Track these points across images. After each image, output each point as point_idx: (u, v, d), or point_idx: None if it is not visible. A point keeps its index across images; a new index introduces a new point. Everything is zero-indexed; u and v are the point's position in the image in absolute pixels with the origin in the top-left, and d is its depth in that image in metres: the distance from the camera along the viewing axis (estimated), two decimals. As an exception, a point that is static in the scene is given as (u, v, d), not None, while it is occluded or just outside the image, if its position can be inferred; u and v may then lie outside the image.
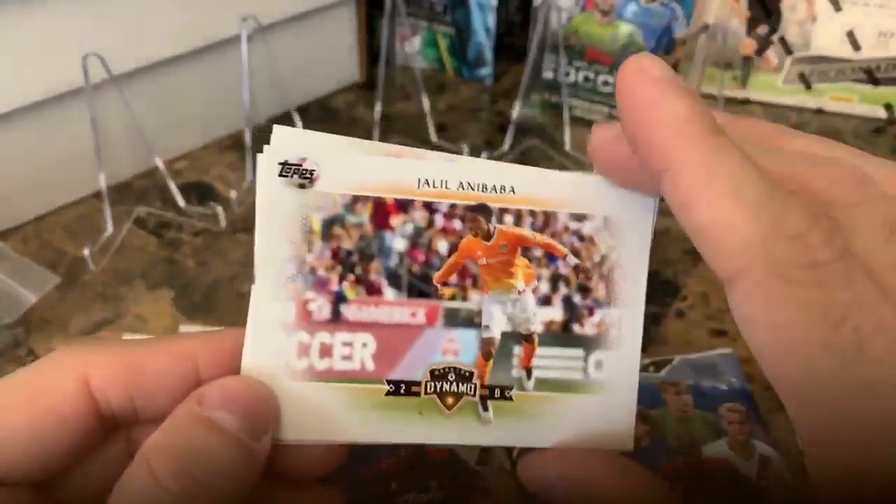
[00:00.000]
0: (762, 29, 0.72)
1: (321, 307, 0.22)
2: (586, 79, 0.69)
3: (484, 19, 0.74)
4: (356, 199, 0.22)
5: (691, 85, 0.17)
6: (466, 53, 0.77)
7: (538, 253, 0.23)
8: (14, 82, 0.50)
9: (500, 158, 0.63)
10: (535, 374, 0.23)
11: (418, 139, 0.66)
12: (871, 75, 0.71)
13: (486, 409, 0.22)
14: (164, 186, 0.56)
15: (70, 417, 0.20)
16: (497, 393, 0.23)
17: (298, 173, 0.21)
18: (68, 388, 0.20)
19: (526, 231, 0.23)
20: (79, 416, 0.20)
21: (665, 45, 0.64)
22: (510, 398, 0.23)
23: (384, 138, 0.65)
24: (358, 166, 0.22)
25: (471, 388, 0.22)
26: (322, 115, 0.70)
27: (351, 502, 0.34)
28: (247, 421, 0.20)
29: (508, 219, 0.23)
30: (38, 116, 0.52)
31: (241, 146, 0.61)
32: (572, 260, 0.23)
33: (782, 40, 0.72)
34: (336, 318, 0.22)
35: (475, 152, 0.63)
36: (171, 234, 0.55)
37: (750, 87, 0.75)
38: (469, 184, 0.22)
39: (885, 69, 0.71)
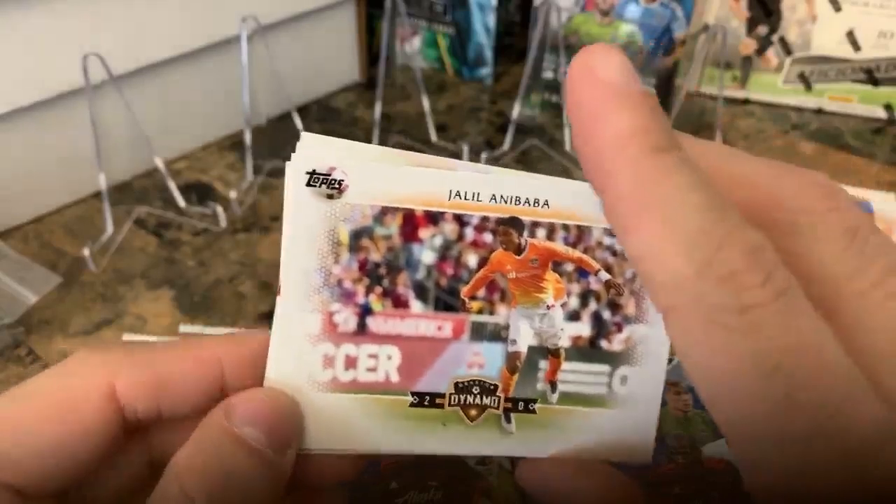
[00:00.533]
0: (762, 29, 0.72)
1: (347, 319, 0.22)
2: (586, 79, 0.69)
3: (484, 19, 0.74)
4: (385, 211, 0.21)
5: (645, 89, 0.15)
6: (466, 53, 0.77)
7: (569, 268, 0.23)
8: (14, 82, 0.50)
9: (500, 158, 0.63)
10: (560, 387, 0.23)
11: (418, 139, 0.66)
12: (871, 75, 0.71)
13: (508, 420, 0.22)
14: (164, 186, 0.56)
15: (96, 427, 0.20)
16: (521, 406, 0.23)
17: (327, 183, 0.21)
18: (94, 396, 0.20)
19: (558, 245, 0.22)
20: (105, 425, 0.20)
21: (665, 45, 0.64)
22: (533, 410, 0.23)
23: (384, 138, 0.65)
24: (388, 177, 0.21)
25: (495, 400, 0.22)
26: (322, 115, 0.70)
27: (351, 502, 0.34)
28: (273, 436, 0.20)
29: (541, 233, 0.22)
30: (38, 116, 0.52)
31: (241, 146, 0.61)
32: (604, 276, 0.23)
33: (782, 40, 0.72)
34: (362, 331, 0.22)
35: (475, 152, 0.63)
36: (171, 234, 0.55)
37: (750, 87, 0.75)
38: (502, 196, 0.22)
39: (884, 69, 0.71)
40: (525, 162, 0.65)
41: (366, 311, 0.22)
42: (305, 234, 0.21)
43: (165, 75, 0.59)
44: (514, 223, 0.22)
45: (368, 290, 0.22)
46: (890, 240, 0.16)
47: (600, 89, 0.15)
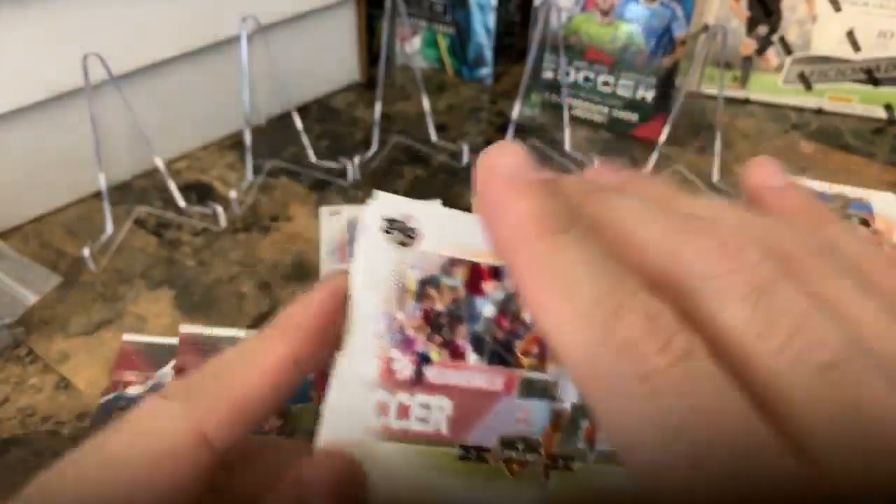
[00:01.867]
0: (762, 29, 0.72)
1: (405, 367, 0.22)
2: (586, 79, 0.69)
3: (484, 19, 0.74)
4: (453, 262, 0.22)
5: (543, 177, 0.17)
6: (466, 53, 0.77)
7: None
8: (14, 82, 0.50)
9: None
10: (598, 446, 0.23)
11: (418, 139, 0.66)
12: (871, 75, 0.71)
13: (547, 476, 0.23)
14: (164, 186, 0.56)
15: (194, 476, 0.19)
16: (560, 463, 0.23)
17: (402, 231, 0.21)
18: (189, 448, 0.19)
19: None
20: (201, 471, 0.20)
21: (665, 45, 0.64)
22: (571, 468, 0.23)
23: (384, 138, 0.65)
24: (458, 229, 0.22)
25: (537, 457, 0.23)
26: (322, 114, 0.70)
27: None
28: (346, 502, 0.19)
29: None
30: (38, 116, 0.52)
31: (241, 146, 0.61)
32: None
33: (782, 40, 0.72)
34: (418, 379, 0.22)
35: (475, 152, 0.63)
36: (171, 234, 0.55)
37: (750, 87, 0.75)
38: None
39: (884, 69, 0.71)
40: (525, 162, 0.65)
41: (424, 360, 0.22)
42: (375, 279, 0.21)
43: (165, 75, 0.59)
44: None
45: (429, 339, 0.22)
46: (795, 294, 0.15)
47: (500, 183, 0.16)
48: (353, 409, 0.21)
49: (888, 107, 0.72)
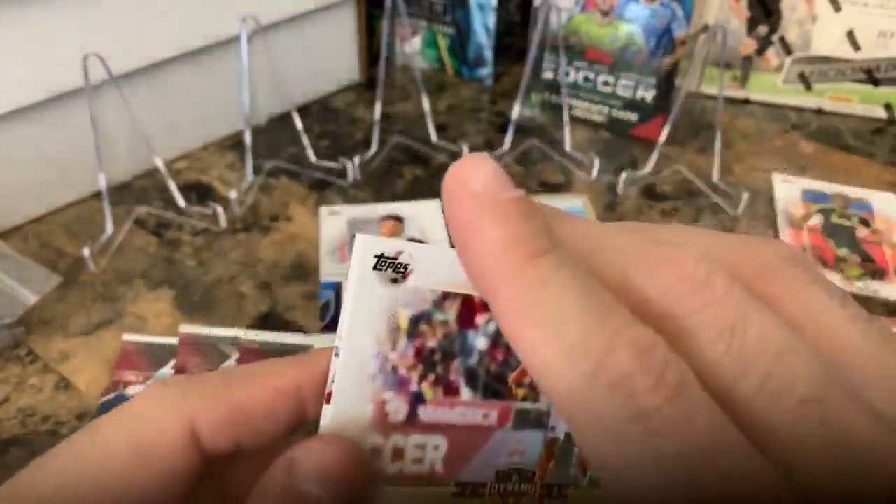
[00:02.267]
0: (762, 29, 0.72)
1: (398, 408, 0.21)
2: (586, 79, 0.69)
3: (484, 19, 0.74)
4: (445, 297, 0.21)
5: (517, 195, 0.15)
6: (466, 53, 0.77)
7: None
8: (14, 82, 0.50)
9: (500, 158, 0.63)
10: (590, 472, 0.23)
11: (418, 139, 0.66)
12: (871, 75, 0.71)
13: None
14: (164, 186, 0.56)
15: (176, 469, 0.19)
16: (555, 492, 0.23)
17: (393, 267, 0.20)
18: (174, 438, 0.19)
19: None
20: (185, 466, 0.19)
21: (665, 45, 0.64)
22: (566, 496, 0.23)
23: (384, 138, 0.65)
24: (450, 263, 0.20)
25: (531, 488, 0.22)
26: (322, 114, 0.70)
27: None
28: (340, 491, 0.19)
29: None
30: (38, 116, 0.52)
31: (241, 146, 0.61)
32: None
33: (782, 40, 0.72)
34: (412, 421, 0.21)
35: (475, 152, 0.63)
36: (171, 234, 0.55)
37: (750, 87, 0.75)
38: None
39: (884, 69, 0.71)
40: (525, 162, 0.65)
41: (417, 400, 0.21)
42: (367, 319, 0.20)
43: (165, 75, 0.59)
44: None
45: (422, 378, 0.21)
46: (766, 325, 0.15)
47: (472, 202, 0.15)
48: None
49: (888, 107, 0.73)
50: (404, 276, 0.20)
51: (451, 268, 0.21)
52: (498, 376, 0.22)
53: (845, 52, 0.71)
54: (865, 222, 0.58)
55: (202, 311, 0.48)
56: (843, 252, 0.55)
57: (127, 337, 0.46)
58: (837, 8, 0.69)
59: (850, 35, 0.70)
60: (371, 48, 0.75)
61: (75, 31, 0.51)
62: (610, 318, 0.14)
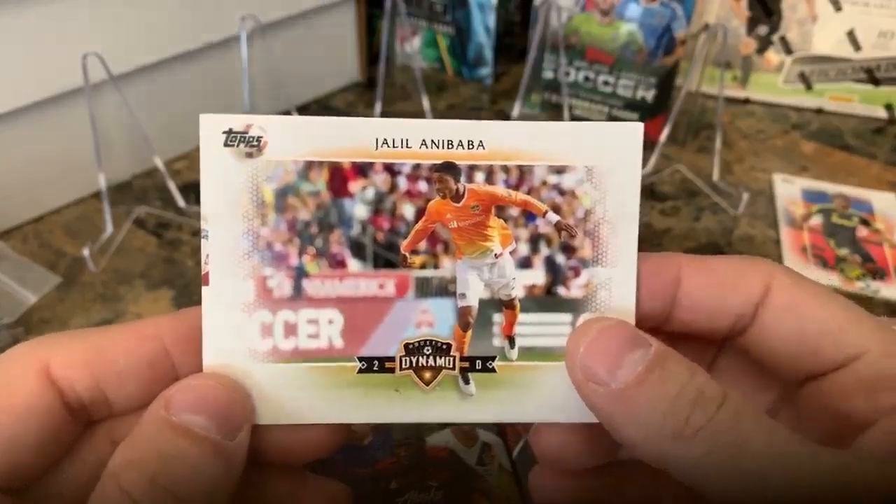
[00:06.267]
0: (762, 28, 0.72)
1: (281, 284, 0.21)
2: (586, 79, 0.69)
3: (484, 19, 0.74)
4: (310, 166, 0.20)
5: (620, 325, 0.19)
6: (466, 53, 0.77)
7: (514, 212, 0.21)
8: (14, 82, 0.50)
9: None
10: (519, 342, 0.21)
11: (418, 139, 0.66)
12: (872, 75, 0.71)
13: (467, 381, 0.21)
14: (163, 186, 0.56)
15: (34, 409, 0.19)
16: (478, 365, 0.21)
17: (245, 141, 0.20)
18: (28, 379, 0.19)
19: (499, 189, 0.21)
20: (43, 406, 0.19)
21: (665, 44, 0.64)
22: (493, 370, 0.21)
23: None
24: (309, 130, 0.20)
25: (449, 360, 0.21)
26: (322, 114, 0.70)
27: (351, 502, 0.34)
28: (218, 420, 0.19)
29: (479, 176, 0.21)
30: (38, 116, 0.52)
31: (241, 146, 0.61)
32: (553, 217, 0.21)
33: (782, 40, 0.72)
34: (298, 295, 0.21)
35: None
36: (171, 234, 0.55)
37: (750, 86, 0.75)
38: (433, 141, 0.20)
39: (885, 69, 0.71)
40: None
41: (300, 274, 0.21)
42: (228, 197, 0.20)
43: (166, 75, 0.59)
44: (449, 168, 0.21)
45: (301, 252, 0.21)
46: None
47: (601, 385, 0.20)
48: (234, 333, 0.20)
49: (888, 107, 0.72)
50: (259, 149, 0.20)
51: (309, 135, 0.20)
52: (388, 245, 0.21)
53: (846, 51, 0.71)
54: (866, 222, 0.58)
55: (202, 311, 0.48)
56: (843, 252, 0.55)
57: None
58: (838, 7, 0.69)
59: (851, 35, 0.70)
60: (371, 48, 0.75)
61: (75, 30, 0.51)
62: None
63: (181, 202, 0.56)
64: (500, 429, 0.38)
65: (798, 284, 0.20)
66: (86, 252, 0.50)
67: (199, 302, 0.52)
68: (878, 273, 0.53)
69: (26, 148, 0.53)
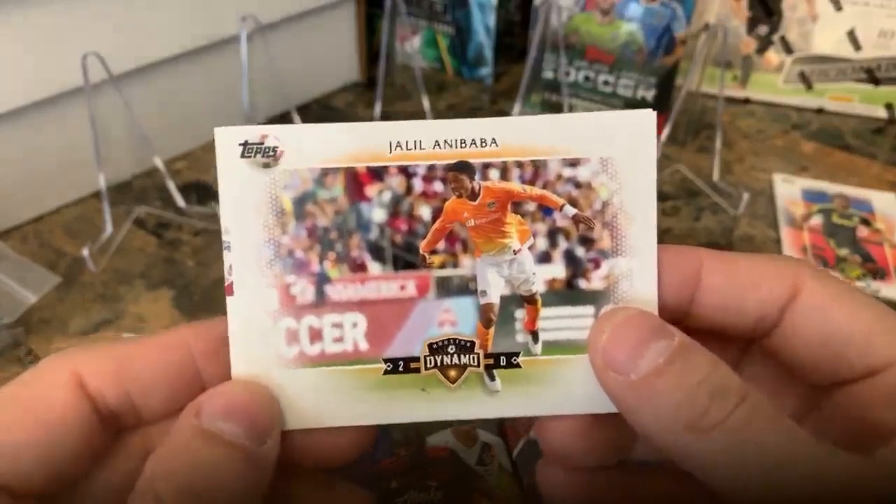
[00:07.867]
0: (763, 28, 0.72)
1: (304, 290, 0.21)
2: (586, 78, 0.69)
3: (484, 19, 0.74)
4: (326, 173, 0.21)
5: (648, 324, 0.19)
6: (466, 53, 0.77)
7: (531, 207, 0.21)
8: (14, 82, 0.50)
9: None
10: (543, 336, 0.21)
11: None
12: (872, 75, 0.71)
13: (492, 378, 0.21)
14: (163, 186, 0.56)
15: (68, 420, 0.20)
16: (503, 361, 0.21)
17: (261, 152, 0.20)
18: (61, 390, 0.20)
19: (514, 185, 0.21)
20: (77, 417, 0.20)
21: (665, 44, 0.64)
22: (517, 365, 0.21)
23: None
24: (322, 137, 0.20)
25: (474, 358, 0.21)
26: (322, 114, 0.70)
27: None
28: (248, 426, 0.19)
29: (493, 174, 0.21)
30: (38, 116, 0.52)
31: (241, 146, 0.61)
32: (570, 210, 0.21)
33: (783, 40, 0.72)
34: (321, 300, 0.21)
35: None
36: (171, 234, 0.55)
37: (750, 86, 0.75)
38: (445, 141, 0.21)
39: (885, 69, 0.71)
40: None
41: (323, 280, 0.21)
42: (248, 208, 0.20)
43: (165, 75, 0.59)
44: (463, 167, 0.21)
45: (322, 258, 0.21)
46: None
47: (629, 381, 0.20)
48: (261, 341, 0.21)
49: (889, 106, 0.72)
50: (275, 158, 0.20)
51: (323, 143, 0.21)
52: (407, 247, 0.21)
53: (846, 51, 0.71)
54: (866, 222, 0.58)
55: (202, 311, 0.48)
56: (843, 252, 0.55)
57: (126, 337, 0.46)
58: (838, 7, 0.69)
59: (851, 34, 0.70)
60: (371, 48, 0.75)
61: (75, 30, 0.51)
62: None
63: (181, 202, 0.56)
64: (501, 429, 0.38)
65: (828, 288, 0.20)
66: (86, 252, 0.50)
67: (198, 301, 0.52)
68: (879, 273, 0.53)
69: (26, 148, 0.53)
